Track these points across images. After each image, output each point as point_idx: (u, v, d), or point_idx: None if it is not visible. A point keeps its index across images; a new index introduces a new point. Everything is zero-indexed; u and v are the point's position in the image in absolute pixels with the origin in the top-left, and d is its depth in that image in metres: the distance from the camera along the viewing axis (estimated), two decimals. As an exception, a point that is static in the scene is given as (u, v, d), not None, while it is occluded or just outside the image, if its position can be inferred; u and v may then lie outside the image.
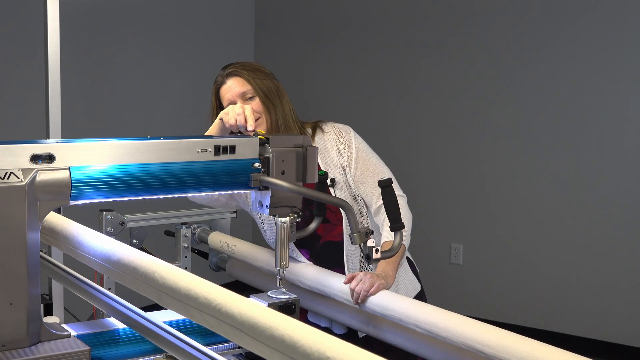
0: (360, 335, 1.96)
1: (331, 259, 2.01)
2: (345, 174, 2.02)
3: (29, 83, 3.88)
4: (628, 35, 4.04)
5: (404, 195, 2.05)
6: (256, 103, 1.98)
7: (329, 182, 2.01)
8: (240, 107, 1.86)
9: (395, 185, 2.02)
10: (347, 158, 2.02)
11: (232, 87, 1.99)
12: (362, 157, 2.04)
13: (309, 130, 2.06)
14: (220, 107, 2.03)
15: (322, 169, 2.02)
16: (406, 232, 1.92)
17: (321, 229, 1.99)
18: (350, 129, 2.08)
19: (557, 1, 4.24)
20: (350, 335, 1.97)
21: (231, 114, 1.85)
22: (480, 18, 4.49)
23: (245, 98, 1.99)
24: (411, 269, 2.12)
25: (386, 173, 2.03)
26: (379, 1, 4.89)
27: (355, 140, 2.05)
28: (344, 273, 2.00)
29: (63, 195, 1.32)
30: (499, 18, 4.42)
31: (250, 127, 1.78)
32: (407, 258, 2.14)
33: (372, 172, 2.02)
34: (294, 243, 2.02)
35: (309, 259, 2.05)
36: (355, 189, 2.02)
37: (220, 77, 2.03)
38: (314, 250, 2.04)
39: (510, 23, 4.39)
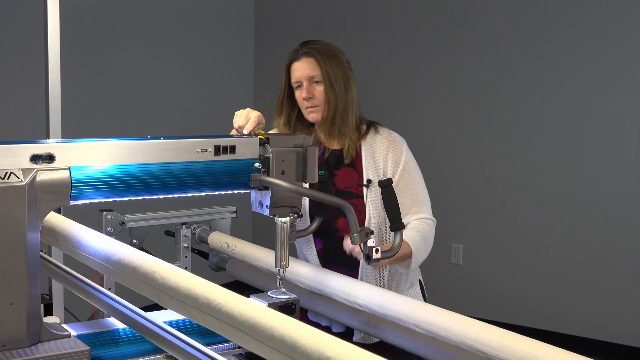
0: (373, 341, 1.93)
1: (342, 255, 1.98)
2: (384, 177, 2.01)
3: (29, 83, 3.88)
4: (628, 35, 4.04)
5: (434, 220, 2.05)
6: (320, 89, 2.00)
7: (364, 182, 2.00)
8: (246, 117, 1.77)
9: (428, 210, 2.03)
10: (392, 167, 2.02)
11: (303, 67, 2.01)
12: (408, 173, 2.03)
13: (364, 127, 2.07)
14: (289, 81, 2.05)
15: (364, 167, 2.02)
16: (418, 247, 1.90)
17: (342, 222, 1.99)
18: (405, 141, 2.08)
19: (557, 1, 4.24)
20: (347, 334, 1.96)
21: (239, 117, 1.78)
22: (481, 19, 4.49)
23: (312, 81, 2.00)
24: (421, 293, 2.13)
25: (422, 196, 2.03)
26: (378, 0, 4.89)
27: (406, 154, 2.05)
28: (355, 271, 2.00)
29: (63, 195, 1.32)
30: (499, 19, 4.42)
31: (245, 131, 1.74)
32: (420, 281, 2.15)
33: (411, 190, 2.02)
34: None
35: (319, 250, 2.05)
36: None
37: (295, 52, 2.04)
38: (328, 242, 2.04)
39: (510, 24, 4.39)
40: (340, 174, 2.05)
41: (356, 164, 2.03)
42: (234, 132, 1.80)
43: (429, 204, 2.05)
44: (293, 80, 2.03)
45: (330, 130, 2.05)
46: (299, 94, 2.03)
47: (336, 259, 2.01)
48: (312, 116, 2.04)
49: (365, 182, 2.00)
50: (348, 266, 2.01)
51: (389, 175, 2.01)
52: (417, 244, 1.90)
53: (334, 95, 2.00)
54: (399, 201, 1.98)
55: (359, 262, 2.01)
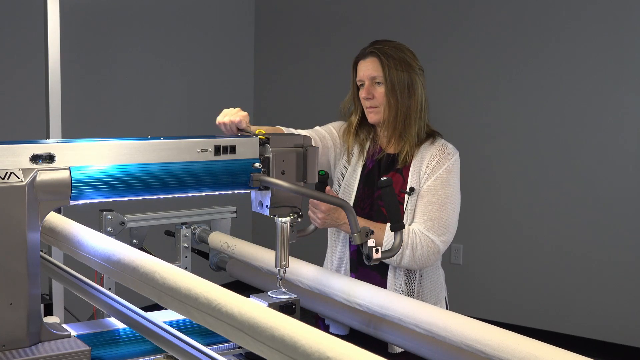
0: (397, 350, 1.90)
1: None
2: (420, 185, 1.98)
3: (29, 83, 3.88)
4: (627, 34, 4.04)
5: (439, 246, 1.94)
6: (381, 90, 1.98)
7: (407, 189, 1.96)
8: (232, 115, 1.73)
9: (440, 234, 1.94)
10: (429, 173, 1.97)
11: (367, 67, 1.99)
12: (442, 181, 1.97)
13: (424, 136, 2.03)
14: (355, 78, 2.04)
15: (410, 175, 1.99)
16: (396, 242, 1.75)
17: None
18: (457, 154, 2.03)
19: (557, 1, 4.24)
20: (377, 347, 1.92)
21: (222, 117, 1.73)
22: (480, 19, 4.49)
23: (373, 82, 1.99)
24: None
25: (438, 215, 1.95)
26: (377, 1, 4.89)
27: (449, 164, 1.99)
28: (385, 279, 1.99)
29: (63, 195, 1.32)
30: (497, 19, 4.42)
31: (228, 120, 1.68)
32: (445, 298, 2.12)
33: (428, 203, 1.95)
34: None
35: (352, 252, 2.04)
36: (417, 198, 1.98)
37: (363, 50, 2.03)
38: None
39: (510, 24, 4.39)
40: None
41: (404, 171, 2.01)
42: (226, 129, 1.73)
43: (445, 229, 1.95)
44: (357, 78, 2.02)
45: (392, 134, 2.03)
46: (361, 93, 2.02)
47: (366, 265, 1.98)
48: (371, 117, 2.02)
49: (408, 189, 1.97)
50: (380, 273, 2.00)
51: (422, 180, 1.98)
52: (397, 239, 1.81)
53: (395, 98, 1.97)
54: (421, 202, 1.96)
55: (387, 270, 2.00)
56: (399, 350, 1.88)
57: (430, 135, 2.05)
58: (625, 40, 4.05)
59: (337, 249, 2.08)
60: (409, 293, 1.99)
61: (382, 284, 1.97)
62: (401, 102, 1.97)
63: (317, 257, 2.18)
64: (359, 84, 2.03)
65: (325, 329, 2.05)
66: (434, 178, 1.97)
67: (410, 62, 2.00)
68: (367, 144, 2.08)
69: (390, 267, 1.99)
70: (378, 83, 1.98)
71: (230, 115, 1.71)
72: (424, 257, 1.92)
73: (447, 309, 2.12)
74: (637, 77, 4.04)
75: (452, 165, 2.00)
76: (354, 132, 2.08)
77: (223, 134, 1.73)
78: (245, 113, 1.74)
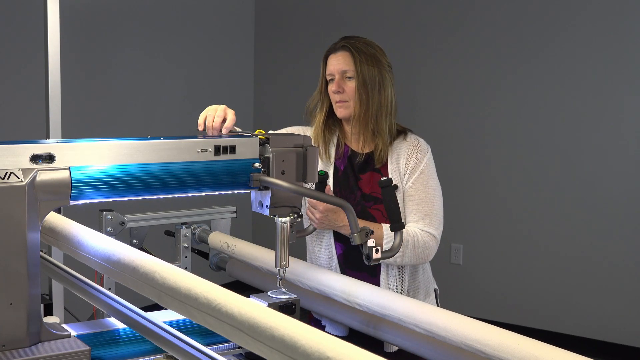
0: (393, 349, 1.91)
1: (362, 260, 1.83)
2: (402, 182, 1.99)
3: (29, 83, 3.88)
4: (627, 34, 4.04)
5: (438, 238, 1.96)
6: (352, 85, 1.97)
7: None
8: (221, 112, 1.75)
9: (435, 226, 1.95)
10: (410, 170, 1.98)
11: (338, 61, 1.98)
12: (422, 180, 1.98)
13: (395, 132, 2.03)
14: (325, 72, 2.03)
15: (389, 173, 1.99)
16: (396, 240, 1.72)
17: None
18: (430, 149, 2.04)
19: (557, 1, 4.24)
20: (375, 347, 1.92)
21: (209, 119, 1.75)
22: (478, 20, 4.49)
23: (344, 76, 1.98)
24: (436, 302, 2.11)
25: (431, 209, 1.96)
26: (377, 1, 4.89)
27: (427, 161, 2.00)
28: (376, 279, 1.98)
29: (63, 195, 1.32)
30: (497, 20, 4.42)
31: (225, 130, 1.69)
32: (435, 289, 2.13)
33: (420, 200, 1.96)
34: (333, 233, 2.01)
35: (339, 255, 2.03)
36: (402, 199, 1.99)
37: (334, 44, 2.02)
38: (349, 246, 1.97)
39: (509, 24, 4.39)
40: (365, 178, 2.02)
41: (382, 170, 2.01)
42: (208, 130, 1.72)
43: (440, 221, 1.97)
44: (327, 72, 2.01)
45: (363, 130, 2.01)
46: (331, 87, 2.01)
47: (355, 265, 1.97)
48: (340, 111, 2.00)
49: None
50: (368, 272, 1.99)
51: (405, 178, 1.98)
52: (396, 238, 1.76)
53: (365, 93, 1.96)
54: (408, 202, 1.97)
55: (379, 268, 1.99)
56: (394, 348, 1.88)
57: (401, 132, 2.06)
58: (625, 40, 4.05)
59: (321, 256, 2.06)
60: (402, 290, 1.99)
61: (374, 283, 1.96)
62: (372, 97, 1.97)
63: (317, 257, 2.18)
64: (328, 78, 2.02)
65: (322, 330, 2.05)
66: (417, 175, 1.98)
67: (380, 58, 2.01)
68: (332, 145, 2.06)
69: (382, 266, 1.99)
70: (349, 77, 1.98)
71: (230, 115, 1.70)
72: (425, 252, 1.94)
73: (437, 301, 2.13)
74: (637, 77, 4.04)
75: (430, 159, 2.02)
76: (322, 128, 2.06)
77: (206, 134, 1.70)
78: (220, 109, 1.72)
